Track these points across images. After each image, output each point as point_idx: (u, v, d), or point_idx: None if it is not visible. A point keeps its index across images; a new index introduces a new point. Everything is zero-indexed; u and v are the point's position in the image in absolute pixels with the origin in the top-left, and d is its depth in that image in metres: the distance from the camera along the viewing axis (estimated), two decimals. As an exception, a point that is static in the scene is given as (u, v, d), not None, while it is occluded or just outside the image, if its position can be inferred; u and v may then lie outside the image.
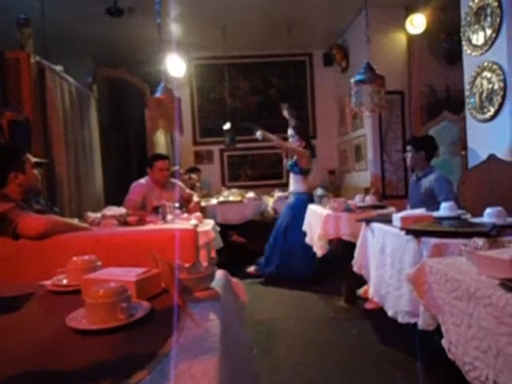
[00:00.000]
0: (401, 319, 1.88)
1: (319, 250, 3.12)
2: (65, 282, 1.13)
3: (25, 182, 1.78)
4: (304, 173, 3.99)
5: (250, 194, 4.78)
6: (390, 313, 2.00)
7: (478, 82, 2.85)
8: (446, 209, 2.03)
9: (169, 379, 0.60)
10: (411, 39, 4.43)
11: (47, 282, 1.17)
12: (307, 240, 3.55)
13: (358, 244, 2.53)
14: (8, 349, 0.78)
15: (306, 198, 3.90)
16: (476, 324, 1.02)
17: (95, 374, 0.64)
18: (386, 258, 2.10)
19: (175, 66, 4.86)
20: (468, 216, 2.09)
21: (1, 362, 0.72)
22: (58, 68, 3.29)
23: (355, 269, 2.53)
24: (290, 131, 4.09)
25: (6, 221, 1.60)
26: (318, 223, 3.18)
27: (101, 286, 0.84)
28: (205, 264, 1.05)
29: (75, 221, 2.22)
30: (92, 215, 2.37)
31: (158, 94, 2.61)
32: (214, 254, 2.55)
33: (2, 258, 1.57)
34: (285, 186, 5.60)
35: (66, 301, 1.02)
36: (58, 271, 1.17)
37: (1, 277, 1.52)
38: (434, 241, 1.65)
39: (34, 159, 1.91)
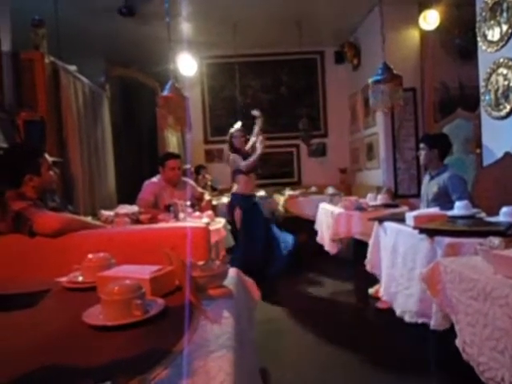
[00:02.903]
0: (408, 319, 1.87)
1: (330, 248, 3.12)
2: (80, 278, 1.14)
3: (39, 184, 1.80)
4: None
5: (261, 193, 4.77)
6: (397, 312, 1.99)
7: (493, 78, 2.80)
8: (460, 208, 2.01)
9: (184, 375, 0.61)
10: (424, 35, 4.36)
11: (63, 279, 1.19)
12: (317, 239, 3.54)
13: (371, 243, 2.51)
14: (26, 344, 0.79)
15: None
16: (492, 324, 1.01)
17: (112, 369, 0.65)
18: (398, 257, 2.08)
19: (186, 65, 4.88)
20: (483, 215, 2.06)
21: (19, 357, 0.73)
22: (72, 68, 3.33)
23: (368, 268, 2.52)
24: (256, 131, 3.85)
25: (22, 219, 1.63)
26: (330, 222, 3.17)
27: (116, 283, 0.85)
28: (218, 262, 1.06)
29: (89, 219, 2.25)
30: (105, 213, 2.39)
31: (165, 93, 2.63)
32: (223, 253, 2.55)
33: (19, 254, 1.60)
34: (295, 185, 5.60)
35: (82, 297, 1.04)
36: (73, 268, 1.19)
37: (17, 273, 1.55)
38: (448, 240, 1.63)
39: (50, 159, 1.93)
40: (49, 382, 0.65)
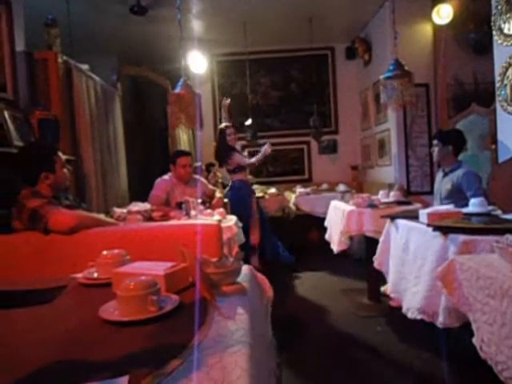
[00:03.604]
0: (410, 315, 1.87)
1: (337, 245, 3.08)
2: (95, 275, 1.16)
3: (55, 181, 1.83)
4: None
5: (272, 190, 4.77)
6: (403, 309, 1.98)
7: (509, 72, 2.75)
8: (475, 205, 1.98)
9: (200, 370, 0.61)
10: (437, 30, 4.29)
11: (79, 275, 1.20)
12: (326, 237, 3.51)
13: (381, 240, 2.49)
14: (43, 338, 0.81)
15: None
16: (510, 323, 0.99)
17: (128, 363, 0.66)
18: (409, 255, 2.06)
19: (197, 62, 4.89)
20: (498, 212, 2.02)
21: (37, 351, 0.75)
22: (84, 67, 3.37)
23: (375, 265, 2.49)
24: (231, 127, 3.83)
25: (37, 216, 1.65)
26: (340, 219, 3.14)
27: (131, 279, 0.86)
28: (231, 259, 1.06)
29: (102, 216, 2.28)
30: (118, 211, 2.41)
31: (177, 90, 2.64)
32: (236, 249, 2.55)
33: (34, 251, 1.63)
34: (306, 182, 5.58)
35: (97, 293, 1.05)
36: (88, 265, 1.20)
37: (33, 270, 1.58)
38: (462, 237, 1.61)
39: (64, 157, 1.96)
40: (66, 376, 0.66)
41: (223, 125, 3.88)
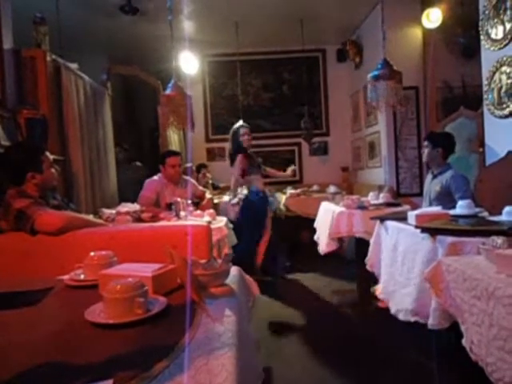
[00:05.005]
0: (402, 317, 1.87)
1: (326, 246, 3.09)
2: (82, 276, 1.14)
3: (41, 181, 1.80)
4: None
5: (263, 191, 4.75)
6: (392, 310, 1.98)
7: (496, 77, 2.79)
8: (462, 207, 2.00)
9: (187, 373, 0.61)
10: (427, 34, 4.35)
11: (65, 277, 1.19)
12: (314, 238, 3.52)
13: (372, 242, 2.51)
14: (29, 341, 0.79)
15: None
16: (497, 324, 1.00)
17: (114, 367, 0.65)
18: (398, 256, 2.07)
19: (188, 63, 4.87)
20: (485, 214, 2.05)
21: (22, 354, 0.73)
22: (73, 66, 3.32)
23: (368, 266, 2.51)
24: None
25: (24, 217, 1.63)
26: (330, 220, 3.15)
27: (118, 281, 0.85)
28: (220, 260, 1.06)
29: (90, 217, 2.25)
30: (107, 211, 2.39)
31: (168, 91, 2.63)
32: (227, 251, 2.55)
33: (21, 253, 1.61)
34: (297, 183, 5.59)
35: (84, 295, 1.04)
36: (75, 266, 1.19)
37: (19, 271, 1.55)
38: (450, 239, 1.62)
39: (51, 157, 1.93)
40: (51, 379, 0.65)
41: (238, 125, 3.74)
